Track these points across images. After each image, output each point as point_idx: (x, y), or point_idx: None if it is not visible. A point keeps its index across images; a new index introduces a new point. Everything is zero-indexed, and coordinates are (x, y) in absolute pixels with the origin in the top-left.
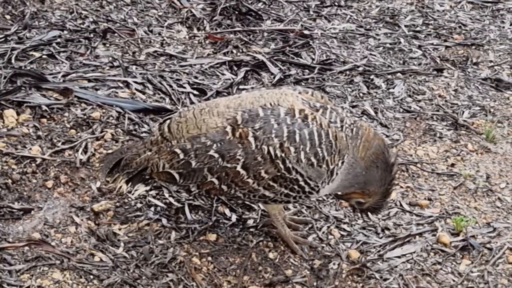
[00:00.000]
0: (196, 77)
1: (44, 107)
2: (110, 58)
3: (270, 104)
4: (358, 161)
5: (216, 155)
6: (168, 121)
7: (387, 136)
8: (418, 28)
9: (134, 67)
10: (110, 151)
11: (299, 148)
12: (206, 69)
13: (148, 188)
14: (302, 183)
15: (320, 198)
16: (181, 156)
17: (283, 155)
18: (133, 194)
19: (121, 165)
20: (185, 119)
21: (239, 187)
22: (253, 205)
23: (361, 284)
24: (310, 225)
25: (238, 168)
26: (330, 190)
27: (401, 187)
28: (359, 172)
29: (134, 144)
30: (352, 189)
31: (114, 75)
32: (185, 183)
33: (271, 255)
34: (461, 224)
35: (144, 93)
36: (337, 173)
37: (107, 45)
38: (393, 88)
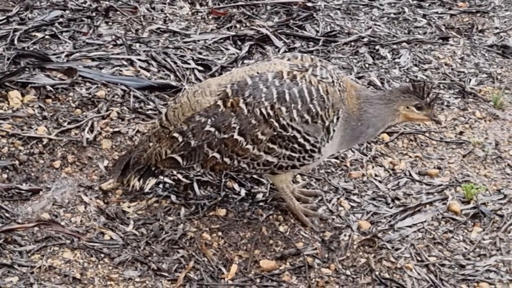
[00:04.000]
0: (200, 53)
1: (49, 88)
2: (113, 37)
3: (258, 73)
4: (350, 114)
5: (212, 129)
6: (165, 110)
7: None
8: None
9: (137, 44)
10: (120, 154)
11: (290, 107)
12: (210, 44)
13: (158, 180)
14: (301, 140)
15: (329, 170)
16: (180, 139)
17: (276, 115)
18: (145, 189)
19: (131, 164)
20: (180, 104)
21: (241, 156)
22: (261, 179)
23: (372, 255)
24: (319, 198)
25: (235, 135)
26: (333, 149)
27: (410, 156)
28: (354, 125)
29: (140, 141)
30: (362, 140)
31: (118, 53)
32: (189, 164)
33: (281, 229)
34: (472, 192)
35: (148, 71)
36: (334, 130)
37: (110, 23)
38: (399, 58)
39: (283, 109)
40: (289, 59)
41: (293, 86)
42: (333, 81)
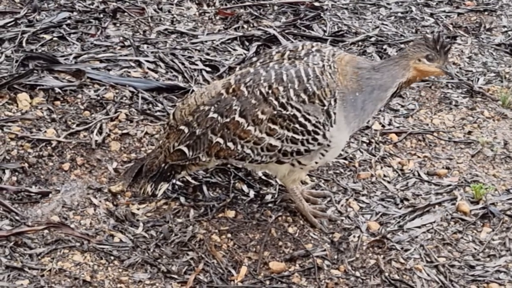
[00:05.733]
0: (208, 54)
1: (57, 90)
2: (121, 38)
3: (260, 62)
4: (346, 92)
5: (215, 115)
6: (172, 111)
7: (402, 106)
8: None
9: (145, 46)
10: (131, 164)
11: (287, 86)
12: (217, 45)
13: (170, 184)
14: (301, 120)
15: (338, 171)
16: (186, 130)
17: (273, 93)
18: (158, 195)
19: (143, 172)
20: (188, 105)
21: (243, 139)
22: (270, 180)
23: (382, 256)
24: (328, 199)
25: (237, 117)
26: (344, 132)
27: (419, 157)
28: (352, 99)
29: (152, 149)
30: (370, 107)
31: (126, 55)
32: (195, 154)
33: (290, 230)
34: (481, 192)
35: (156, 72)
36: (334, 113)
37: (117, 24)
38: None
39: (281, 88)
40: (291, 50)
41: (291, 68)
42: (323, 65)
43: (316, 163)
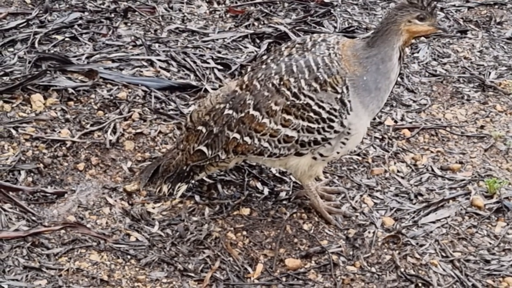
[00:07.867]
0: (219, 52)
1: (71, 90)
2: (133, 37)
3: (271, 59)
4: (355, 78)
5: (231, 111)
6: (189, 113)
7: (414, 101)
8: None
9: (157, 45)
10: (147, 163)
11: (298, 77)
12: (228, 43)
13: (189, 185)
14: (316, 108)
15: (351, 167)
16: (204, 130)
17: (284, 84)
18: (176, 195)
19: (160, 172)
20: (204, 106)
21: (259, 132)
22: (284, 177)
23: (397, 251)
24: (342, 195)
25: (251, 111)
26: (363, 117)
27: (432, 151)
28: (361, 82)
29: (168, 150)
30: (384, 81)
31: (138, 54)
32: (214, 153)
33: (305, 227)
34: (494, 186)
35: (168, 71)
36: (349, 101)
37: (129, 24)
38: (418, 52)
39: (292, 79)
40: (299, 43)
41: (300, 59)
42: (329, 54)
43: (338, 153)
